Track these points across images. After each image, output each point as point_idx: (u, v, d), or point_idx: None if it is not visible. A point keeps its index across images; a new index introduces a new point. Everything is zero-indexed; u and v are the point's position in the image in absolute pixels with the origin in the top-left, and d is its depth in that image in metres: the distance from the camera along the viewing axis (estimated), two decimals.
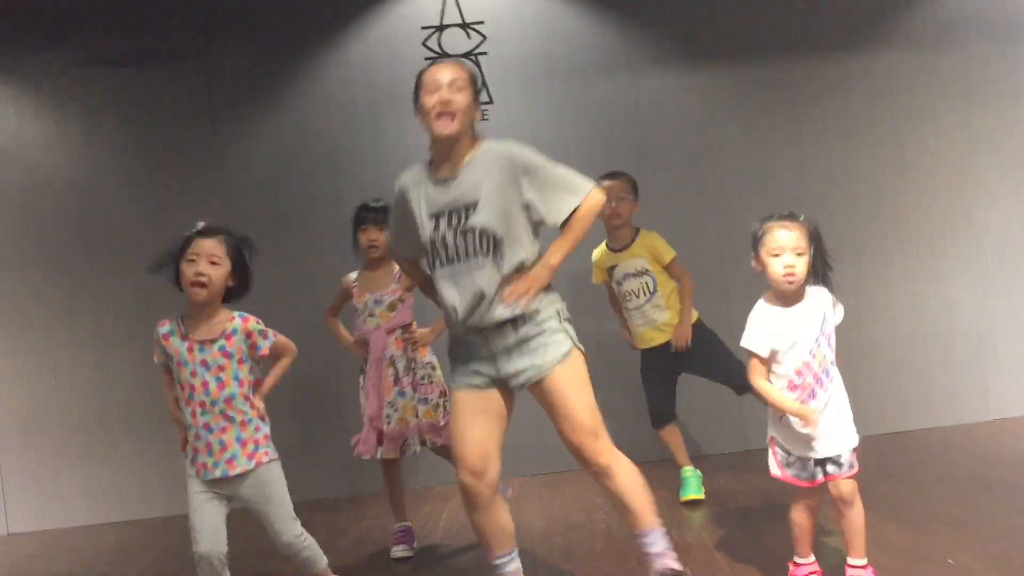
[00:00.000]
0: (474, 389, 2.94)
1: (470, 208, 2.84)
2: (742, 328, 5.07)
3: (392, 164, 5.11)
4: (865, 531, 2.88)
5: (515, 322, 2.87)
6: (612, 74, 5.23)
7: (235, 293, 3.10)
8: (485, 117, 5.13)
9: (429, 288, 3.12)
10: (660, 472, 4.26)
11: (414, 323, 3.93)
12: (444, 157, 2.90)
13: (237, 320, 3.04)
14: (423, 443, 3.88)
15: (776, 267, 2.82)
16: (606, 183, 4.20)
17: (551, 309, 2.93)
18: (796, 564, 3.01)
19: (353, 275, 3.99)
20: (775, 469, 2.92)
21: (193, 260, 2.98)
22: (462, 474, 2.91)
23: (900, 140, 5.30)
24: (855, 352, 4.84)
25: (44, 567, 4.42)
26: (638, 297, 4.26)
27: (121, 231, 5.17)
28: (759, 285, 4.89)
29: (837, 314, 2.89)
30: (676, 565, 2.90)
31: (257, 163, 5.21)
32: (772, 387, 2.84)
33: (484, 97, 5.13)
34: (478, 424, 2.92)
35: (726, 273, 5.14)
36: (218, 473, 2.98)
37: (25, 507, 5.15)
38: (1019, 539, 3.27)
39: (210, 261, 2.98)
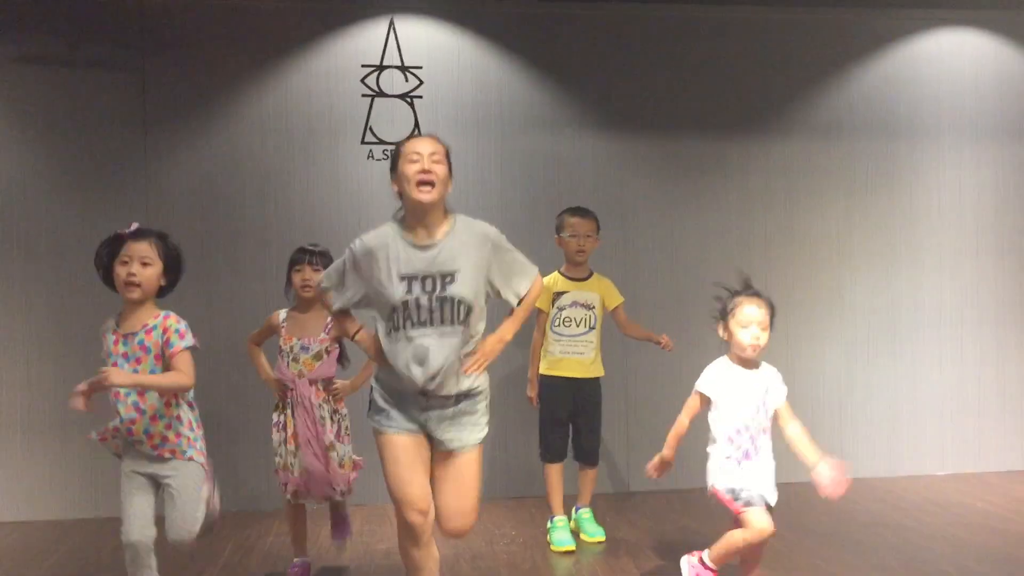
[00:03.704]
0: (412, 434, 3.16)
1: (447, 277, 3.07)
2: (636, 376, 5.52)
3: (323, 194, 5.33)
4: None
5: (458, 396, 3.15)
6: (537, 129, 5.58)
7: (164, 291, 3.27)
8: None
9: (341, 317, 3.31)
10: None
11: (334, 376, 3.95)
12: (419, 223, 3.10)
13: (160, 317, 3.20)
14: (343, 493, 3.93)
15: (744, 337, 3.28)
16: (574, 219, 4.56)
17: (486, 392, 3.26)
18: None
19: (282, 313, 3.99)
20: (732, 507, 3.33)
21: (126, 262, 3.17)
22: (412, 515, 3.13)
23: (790, 218, 5.84)
24: None
25: None
26: (578, 326, 4.53)
27: (41, 234, 5.15)
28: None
29: (782, 392, 3.38)
30: None
31: (186, 179, 5.27)
32: (680, 429, 3.37)
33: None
34: (419, 468, 3.17)
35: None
36: (116, 441, 3.19)
37: None
38: None
39: (142, 263, 3.17)
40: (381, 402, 3.20)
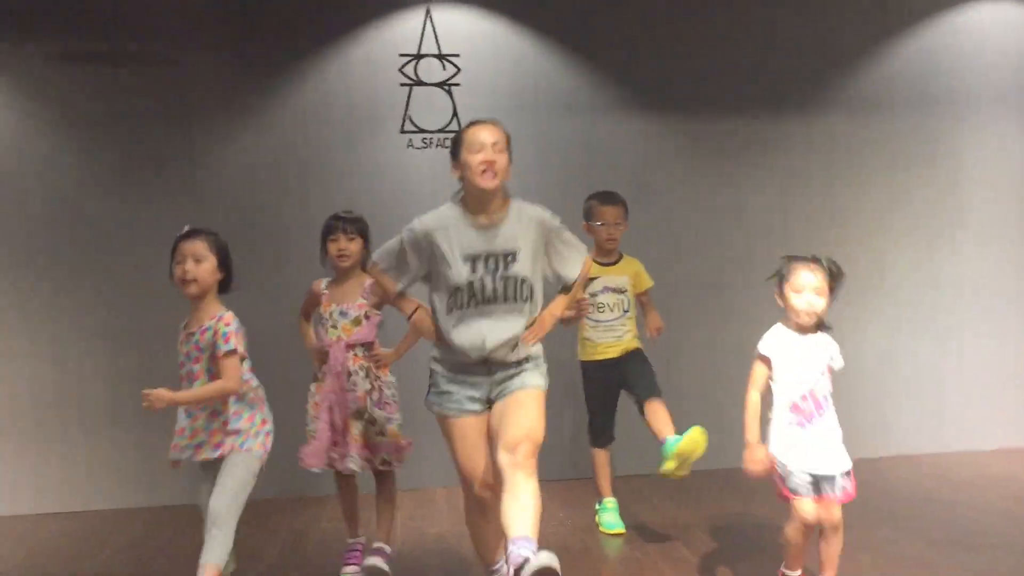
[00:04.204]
0: (473, 415, 3.28)
1: (509, 257, 3.17)
2: (677, 357, 5.47)
3: (363, 182, 5.39)
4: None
5: (518, 363, 3.26)
6: (573, 113, 5.59)
7: (224, 285, 3.38)
8: None
9: (397, 298, 3.37)
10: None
11: (376, 342, 3.92)
12: (479, 208, 3.20)
13: (215, 319, 3.29)
14: (385, 462, 3.87)
15: (799, 302, 3.22)
16: (603, 208, 4.52)
17: (542, 355, 3.38)
18: None
19: (324, 282, 3.98)
20: (779, 486, 3.25)
21: (180, 262, 3.29)
22: (482, 491, 3.30)
23: (829, 195, 5.81)
24: None
25: None
26: (612, 311, 4.49)
27: (87, 228, 5.25)
28: (694, 317, 5.30)
29: (837, 361, 3.32)
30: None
31: (230, 171, 5.35)
32: (753, 407, 3.25)
33: (455, 126, 5.41)
34: (483, 447, 3.29)
35: (665, 304, 5.52)
36: (183, 456, 3.28)
37: None
38: (925, 565, 3.75)
39: (195, 260, 3.28)
40: (443, 382, 3.29)
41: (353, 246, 3.86)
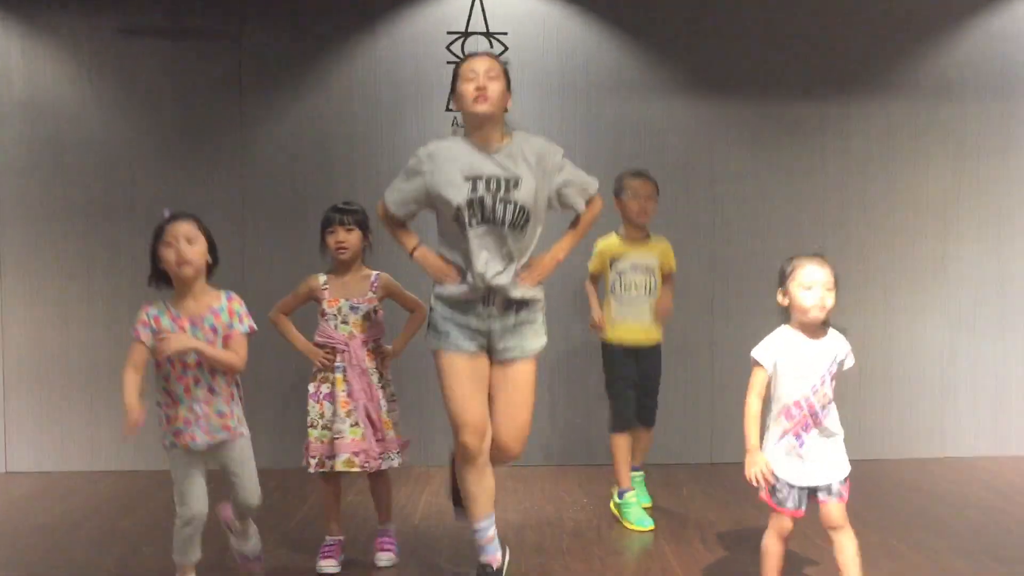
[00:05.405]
0: (469, 355, 3.28)
1: (511, 181, 3.21)
2: (723, 346, 5.37)
3: (408, 158, 5.35)
4: (860, 561, 3.05)
5: (519, 305, 3.28)
6: (623, 93, 5.48)
7: (211, 269, 3.29)
8: None
9: (400, 231, 3.47)
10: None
11: (382, 338, 3.84)
12: (481, 138, 3.26)
13: (224, 299, 3.27)
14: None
15: (807, 299, 3.03)
16: (636, 182, 4.43)
17: (543, 303, 3.39)
18: None
19: (322, 277, 3.84)
20: (762, 491, 3.12)
21: (171, 244, 3.18)
22: (468, 435, 3.25)
23: (891, 182, 5.58)
24: None
25: (41, 508, 4.69)
26: (638, 290, 4.42)
27: (143, 195, 5.40)
28: (742, 306, 5.15)
29: (849, 360, 3.14)
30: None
31: (279, 144, 5.43)
32: (753, 413, 3.07)
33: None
34: (478, 390, 3.29)
35: (714, 291, 5.44)
36: (202, 444, 3.20)
37: (25, 448, 5.42)
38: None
39: (187, 240, 3.19)
40: (440, 322, 3.32)
41: (352, 237, 3.75)
